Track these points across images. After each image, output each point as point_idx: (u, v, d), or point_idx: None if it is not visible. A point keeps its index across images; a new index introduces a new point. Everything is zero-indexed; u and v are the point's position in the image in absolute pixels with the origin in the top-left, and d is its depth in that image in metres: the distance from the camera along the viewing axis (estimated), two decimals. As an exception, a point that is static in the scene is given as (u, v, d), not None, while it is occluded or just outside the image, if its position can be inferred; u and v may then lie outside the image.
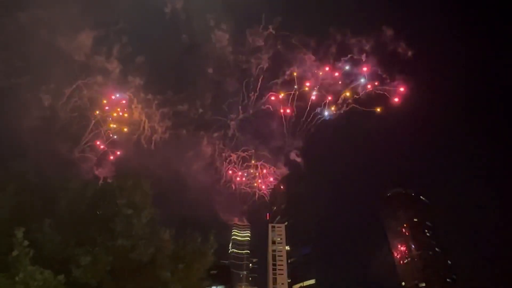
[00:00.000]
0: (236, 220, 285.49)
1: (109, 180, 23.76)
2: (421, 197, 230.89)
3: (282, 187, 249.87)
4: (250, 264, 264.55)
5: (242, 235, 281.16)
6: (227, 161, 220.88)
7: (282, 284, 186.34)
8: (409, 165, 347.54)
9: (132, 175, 23.53)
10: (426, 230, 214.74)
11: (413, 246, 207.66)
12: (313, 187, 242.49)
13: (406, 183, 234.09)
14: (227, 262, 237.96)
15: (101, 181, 23.41)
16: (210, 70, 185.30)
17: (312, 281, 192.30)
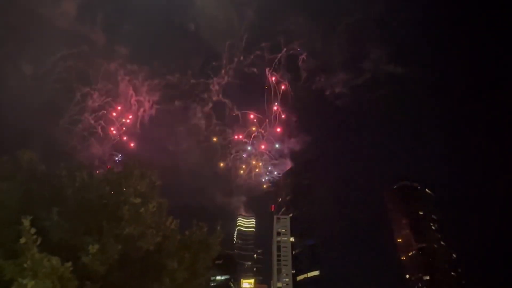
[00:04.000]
0: (241, 211, 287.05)
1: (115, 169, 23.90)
2: (427, 190, 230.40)
3: (287, 178, 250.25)
4: (255, 255, 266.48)
5: (247, 225, 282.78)
6: (222, 137, 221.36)
7: (286, 275, 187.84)
8: (415, 158, 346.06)
9: (139, 164, 23.64)
10: (432, 223, 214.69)
11: (418, 239, 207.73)
12: (318, 179, 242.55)
13: (412, 176, 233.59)
14: (232, 252, 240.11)
15: (106, 171, 23.52)
16: (193, 27, 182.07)
17: (316, 272, 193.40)
